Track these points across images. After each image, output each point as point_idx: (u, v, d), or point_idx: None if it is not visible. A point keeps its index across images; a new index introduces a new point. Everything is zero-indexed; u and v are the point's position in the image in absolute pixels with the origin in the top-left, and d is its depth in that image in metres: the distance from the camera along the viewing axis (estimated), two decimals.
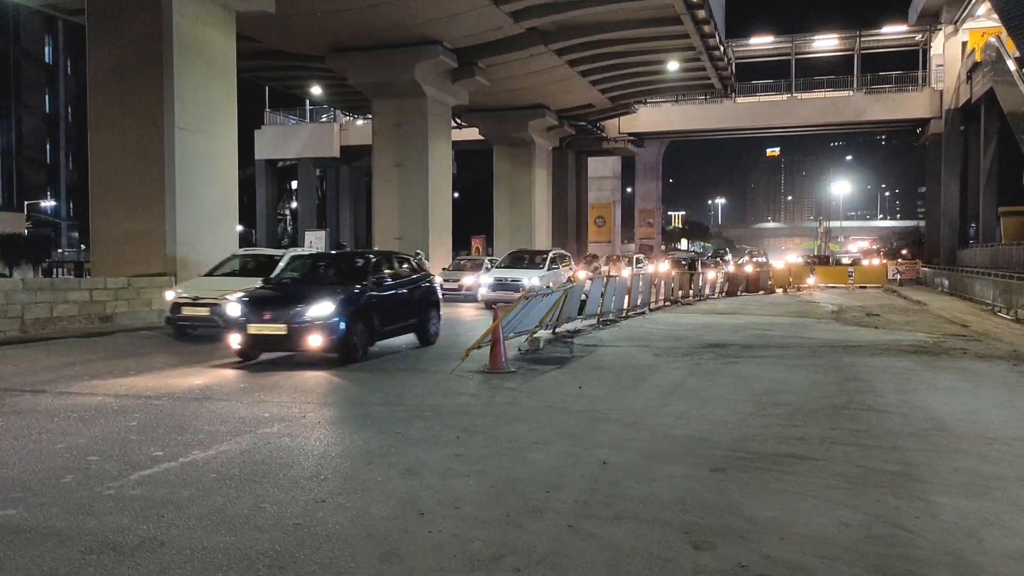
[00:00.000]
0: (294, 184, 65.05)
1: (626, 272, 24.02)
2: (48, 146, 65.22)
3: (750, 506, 4.74)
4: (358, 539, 4.20)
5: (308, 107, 54.73)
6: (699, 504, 4.77)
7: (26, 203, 55.89)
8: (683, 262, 30.98)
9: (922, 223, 71.94)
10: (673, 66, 34.26)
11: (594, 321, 15.90)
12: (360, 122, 50.89)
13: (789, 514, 4.60)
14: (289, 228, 71.60)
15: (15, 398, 8.31)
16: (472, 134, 43.10)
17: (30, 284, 15.46)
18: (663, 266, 29.95)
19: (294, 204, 69.77)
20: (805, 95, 47.50)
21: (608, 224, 62.09)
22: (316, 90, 39.10)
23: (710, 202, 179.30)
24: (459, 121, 40.57)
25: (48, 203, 60.50)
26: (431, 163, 29.75)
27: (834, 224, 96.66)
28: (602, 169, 60.60)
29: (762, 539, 4.19)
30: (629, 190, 73.39)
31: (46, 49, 65.19)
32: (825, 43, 48.72)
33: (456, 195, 34.23)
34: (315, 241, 38.68)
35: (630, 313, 18.22)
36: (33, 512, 4.65)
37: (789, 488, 5.11)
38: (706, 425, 6.95)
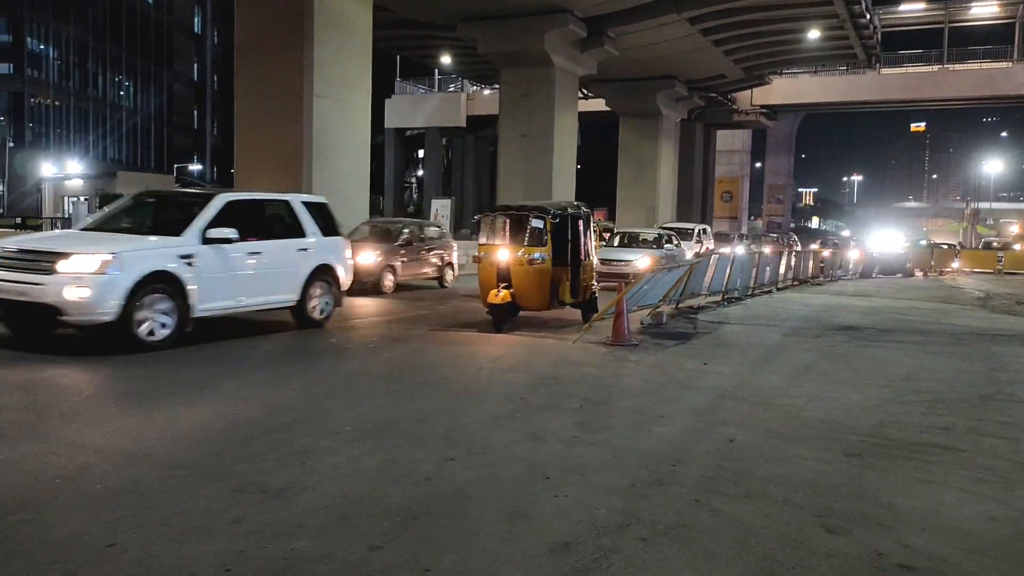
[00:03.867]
0: (420, 153, 66.44)
1: None
2: (196, 112, 69.04)
3: (887, 494, 4.55)
4: (486, 498, 4.31)
5: (436, 77, 55.55)
6: (832, 488, 4.62)
7: (175, 167, 59.68)
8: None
9: None
10: (813, 35, 32.65)
11: (718, 298, 15.55)
12: (487, 92, 51.27)
13: (930, 504, 4.40)
14: (415, 196, 73.29)
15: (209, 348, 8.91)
16: (597, 105, 42.57)
17: None
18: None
19: (420, 172, 71.32)
20: (958, 66, 44.26)
21: (735, 200, 60.47)
22: (445, 59, 39.62)
23: (844, 179, 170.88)
24: (585, 91, 40.14)
25: (195, 167, 64.26)
26: (556, 134, 29.61)
27: (983, 206, 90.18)
28: (731, 142, 58.82)
29: (900, 528, 4.03)
30: (758, 164, 70.96)
31: (195, 19, 68.78)
32: (983, 10, 45.13)
33: (579, 166, 33.90)
34: (440, 209, 39.45)
35: (756, 291, 17.70)
36: (191, 451, 5.02)
37: (931, 478, 4.87)
38: (839, 409, 6.69)
